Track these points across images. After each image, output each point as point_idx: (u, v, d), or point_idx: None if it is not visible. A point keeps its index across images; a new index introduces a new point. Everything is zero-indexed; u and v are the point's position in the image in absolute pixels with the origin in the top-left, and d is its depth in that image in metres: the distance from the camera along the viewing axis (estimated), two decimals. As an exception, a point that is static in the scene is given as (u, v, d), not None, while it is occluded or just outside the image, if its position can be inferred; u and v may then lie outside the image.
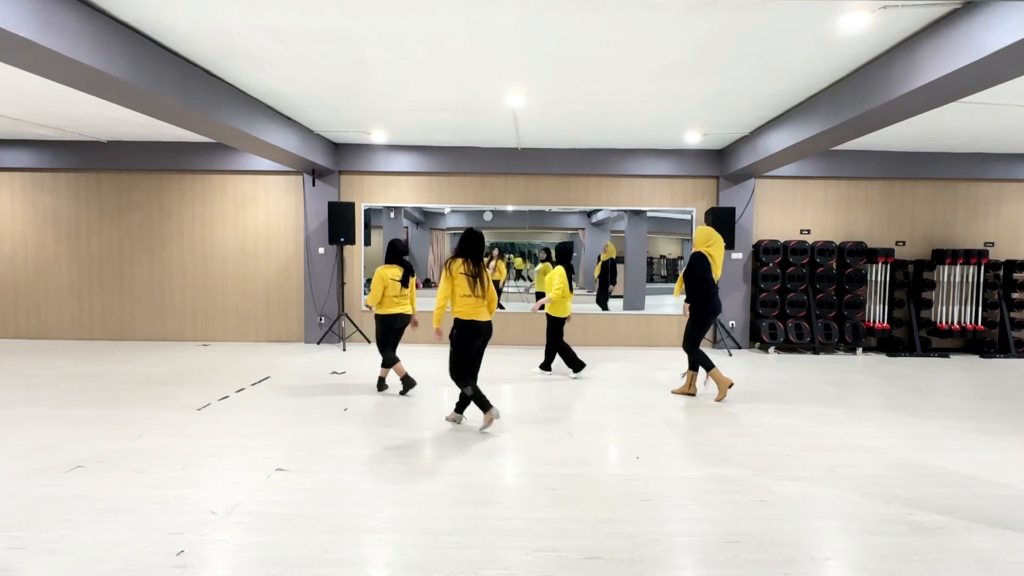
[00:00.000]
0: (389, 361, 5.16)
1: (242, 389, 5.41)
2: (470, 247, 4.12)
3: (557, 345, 6.03)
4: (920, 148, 7.76)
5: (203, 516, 2.81)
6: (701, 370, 5.30)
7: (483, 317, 4.12)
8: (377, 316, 5.10)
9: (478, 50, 4.46)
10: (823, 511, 2.96)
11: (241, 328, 8.24)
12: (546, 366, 6.20)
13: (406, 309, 5.13)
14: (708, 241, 5.17)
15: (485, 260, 4.26)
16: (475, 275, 4.09)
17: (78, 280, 8.23)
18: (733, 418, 4.63)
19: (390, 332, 5.11)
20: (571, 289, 5.94)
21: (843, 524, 2.83)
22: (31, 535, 2.61)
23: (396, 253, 5.13)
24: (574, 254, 9.36)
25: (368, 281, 8.58)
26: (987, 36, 3.42)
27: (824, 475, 3.44)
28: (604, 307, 9.17)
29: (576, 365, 6.05)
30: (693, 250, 5.27)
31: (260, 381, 5.75)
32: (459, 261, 4.10)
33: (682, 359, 7.33)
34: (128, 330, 8.24)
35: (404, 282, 5.08)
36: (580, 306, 9.23)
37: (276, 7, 3.78)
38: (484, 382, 5.76)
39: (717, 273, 5.16)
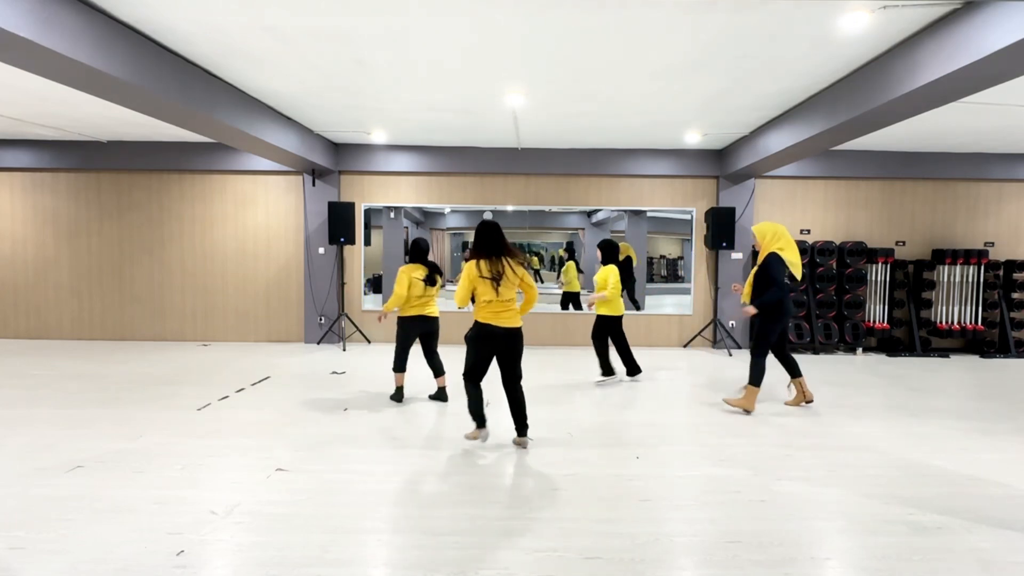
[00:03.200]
0: (396, 365, 4.90)
1: (242, 389, 5.41)
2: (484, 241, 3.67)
3: (617, 343, 5.82)
4: (920, 148, 7.76)
5: (203, 516, 2.81)
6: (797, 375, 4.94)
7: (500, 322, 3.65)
8: (400, 319, 4.80)
9: (478, 50, 4.46)
10: (823, 511, 2.96)
11: (241, 328, 8.24)
12: (633, 369, 5.90)
13: (433, 311, 4.83)
14: (776, 239, 4.63)
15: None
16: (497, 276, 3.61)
17: (78, 280, 8.23)
18: (733, 418, 4.62)
19: (411, 336, 4.83)
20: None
21: (843, 524, 2.83)
22: (31, 535, 2.61)
23: (421, 252, 4.81)
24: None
25: (368, 282, 8.59)
26: (987, 36, 3.42)
27: (824, 475, 3.44)
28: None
29: (607, 368, 5.87)
30: (763, 252, 4.70)
31: (260, 381, 5.75)
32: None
33: (682, 359, 7.34)
34: (128, 330, 8.24)
35: (431, 281, 4.75)
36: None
37: (276, 7, 3.78)
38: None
39: (797, 272, 4.63)
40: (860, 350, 7.96)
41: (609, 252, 5.69)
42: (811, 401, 4.98)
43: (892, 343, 8.09)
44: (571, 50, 4.43)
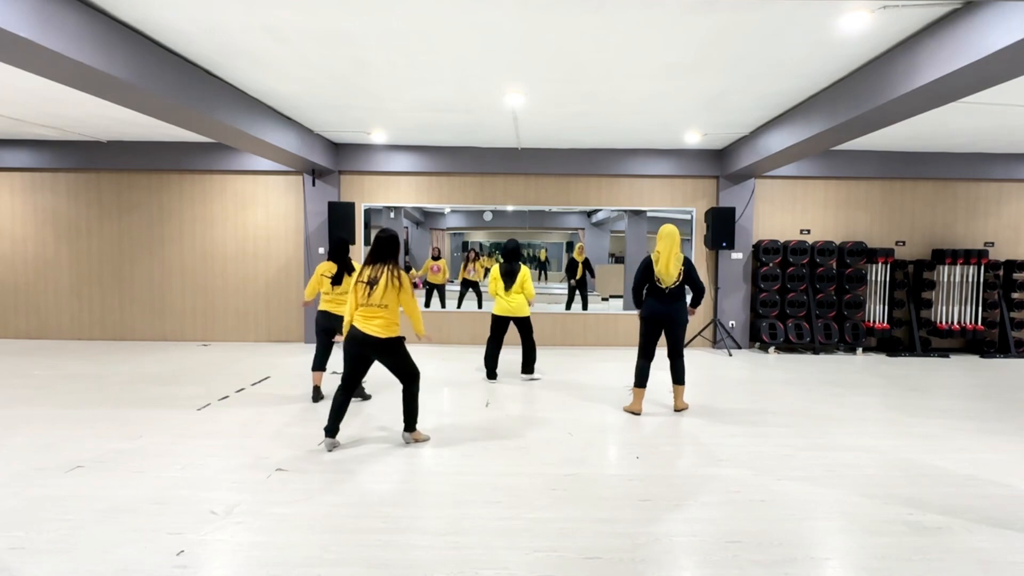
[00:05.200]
0: (315, 364, 4.85)
1: (242, 389, 5.41)
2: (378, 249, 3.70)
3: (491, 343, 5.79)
4: (920, 148, 7.76)
5: (203, 516, 2.81)
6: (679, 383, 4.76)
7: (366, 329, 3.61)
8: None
9: (478, 50, 4.46)
10: (823, 511, 2.96)
11: (241, 328, 8.24)
12: (491, 373, 5.84)
13: (337, 309, 4.72)
14: (657, 241, 4.62)
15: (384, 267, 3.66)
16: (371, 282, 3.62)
17: (78, 280, 8.23)
18: (733, 418, 4.63)
19: (318, 331, 4.78)
20: (507, 288, 5.61)
21: (843, 524, 2.83)
22: (31, 535, 2.61)
23: (335, 250, 4.79)
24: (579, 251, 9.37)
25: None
26: (987, 36, 3.42)
27: (824, 475, 3.44)
28: (568, 307, 9.36)
29: (490, 371, 5.82)
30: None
31: (260, 381, 5.75)
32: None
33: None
34: (128, 330, 8.24)
35: (336, 280, 4.71)
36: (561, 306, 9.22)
37: (276, 7, 3.78)
38: (482, 379, 5.76)
39: (661, 280, 4.52)
40: (860, 350, 7.96)
41: (506, 254, 5.72)
42: (681, 409, 4.77)
43: (892, 343, 8.09)
44: (571, 50, 4.43)
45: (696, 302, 4.73)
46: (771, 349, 7.91)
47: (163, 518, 2.78)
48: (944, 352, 8.01)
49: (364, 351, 3.65)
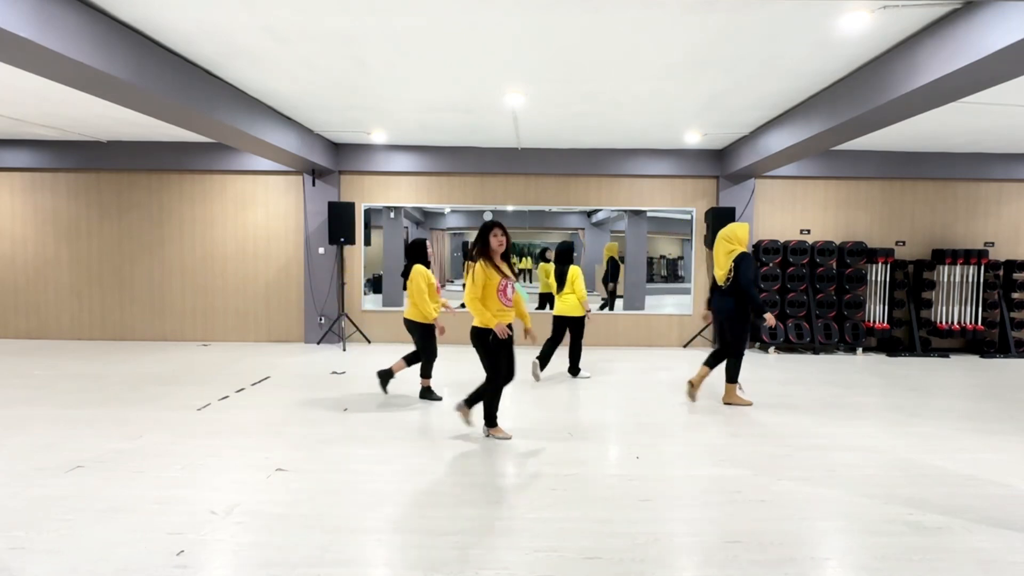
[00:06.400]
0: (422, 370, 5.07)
1: (242, 389, 5.41)
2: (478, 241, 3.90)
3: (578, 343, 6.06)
4: (920, 148, 7.76)
5: (203, 516, 2.80)
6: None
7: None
8: None
9: (478, 50, 4.46)
10: (823, 511, 2.96)
11: (241, 328, 8.24)
12: (574, 369, 6.11)
13: (405, 312, 4.93)
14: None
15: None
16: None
17: (78, 280, 8.23)
18: (733, 418, 4.63)
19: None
20: (559, 289, 5.88)
21: (843, 524, 2.82)
22: (31, 535, 2.61)
23: (405, 252, 4.94)
24: (575, 253, 9.36)
25: (368, 281, 8.63)
26: (987, 36, 3.42)
27: (824, 475, 3.44)
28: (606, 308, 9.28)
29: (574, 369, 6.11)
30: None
31: (260, 381, 5.75)
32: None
33: (682, 359, 7.34)
34: (128, 330, 8.24)
35: (404, 286, 4.98)
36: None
37: (276, 7, 3.78)
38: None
39: (715, 271, 4.88)
40: (860, 350, 7.96)
41: (561, 255, 5.92)
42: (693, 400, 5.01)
43: (892, 343, 8.09)
44: (571, 51, 4.43)
45: (751, 302, 4.63)
46: (771, 349, 7.90)
47: (163, 518, 2.78)
48: (944, 352, 8.01)
49: (473, 342, 3.91)
